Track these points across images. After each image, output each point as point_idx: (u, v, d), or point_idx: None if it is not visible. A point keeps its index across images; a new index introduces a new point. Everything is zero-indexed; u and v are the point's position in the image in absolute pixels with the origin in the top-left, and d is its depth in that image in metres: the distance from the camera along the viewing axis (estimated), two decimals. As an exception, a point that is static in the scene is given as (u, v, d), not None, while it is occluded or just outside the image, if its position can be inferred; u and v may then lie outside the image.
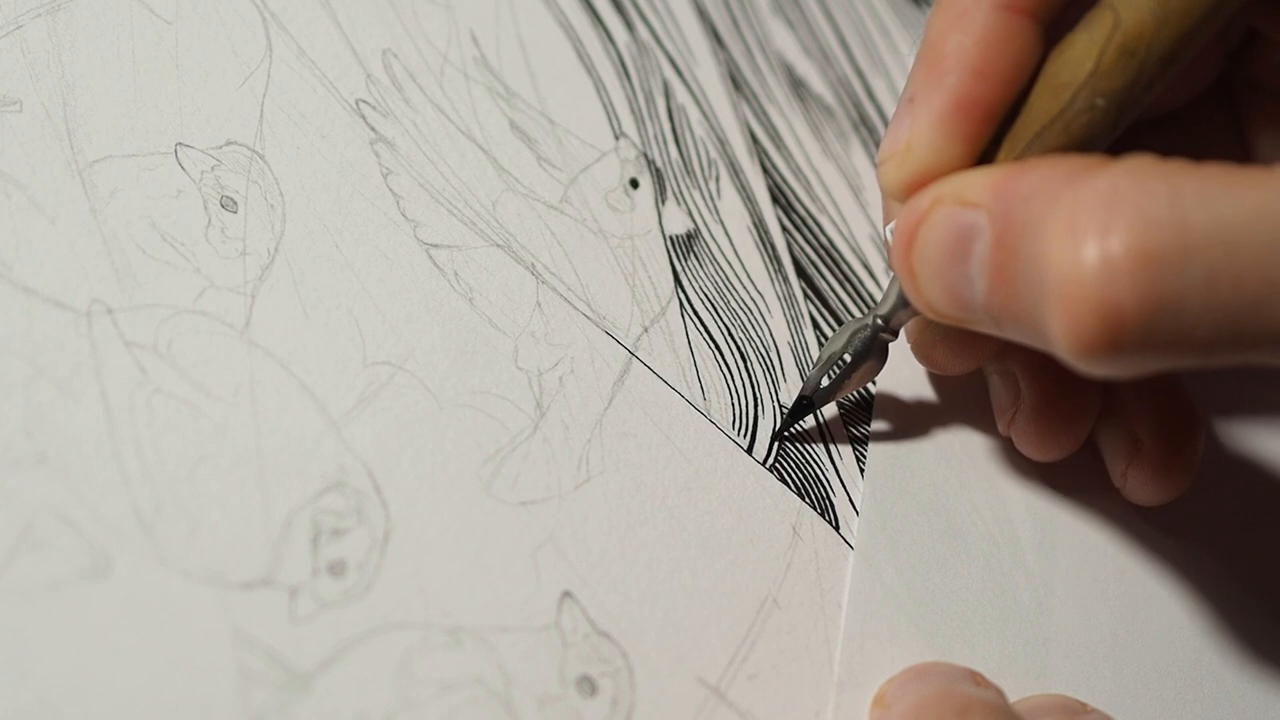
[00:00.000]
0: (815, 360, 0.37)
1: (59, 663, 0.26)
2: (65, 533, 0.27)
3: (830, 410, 0.37)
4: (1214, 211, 0.26)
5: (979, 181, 0.30)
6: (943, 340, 0.35)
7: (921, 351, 0.36)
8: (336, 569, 0.29)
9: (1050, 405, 0.36)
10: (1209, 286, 0.26)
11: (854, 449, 0.36)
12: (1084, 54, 0.30)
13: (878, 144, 0.42)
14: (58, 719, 0.26)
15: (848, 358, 0.35)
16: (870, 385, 0.37)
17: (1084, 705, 0.34)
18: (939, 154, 0.31)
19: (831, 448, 0.36)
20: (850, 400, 0.37)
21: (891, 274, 0.36)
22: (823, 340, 0.38)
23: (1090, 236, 0.26)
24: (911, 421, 0.37)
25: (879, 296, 0.39)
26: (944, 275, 0.31)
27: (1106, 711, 0.33)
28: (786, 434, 0.36)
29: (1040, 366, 0.35)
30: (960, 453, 0.37)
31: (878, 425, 0.37)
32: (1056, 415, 0.36)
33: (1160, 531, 0.38)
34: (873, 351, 0.35)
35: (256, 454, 0.30)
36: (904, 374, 0.38)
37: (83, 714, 0.26)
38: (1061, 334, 0.27)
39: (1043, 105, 0.31)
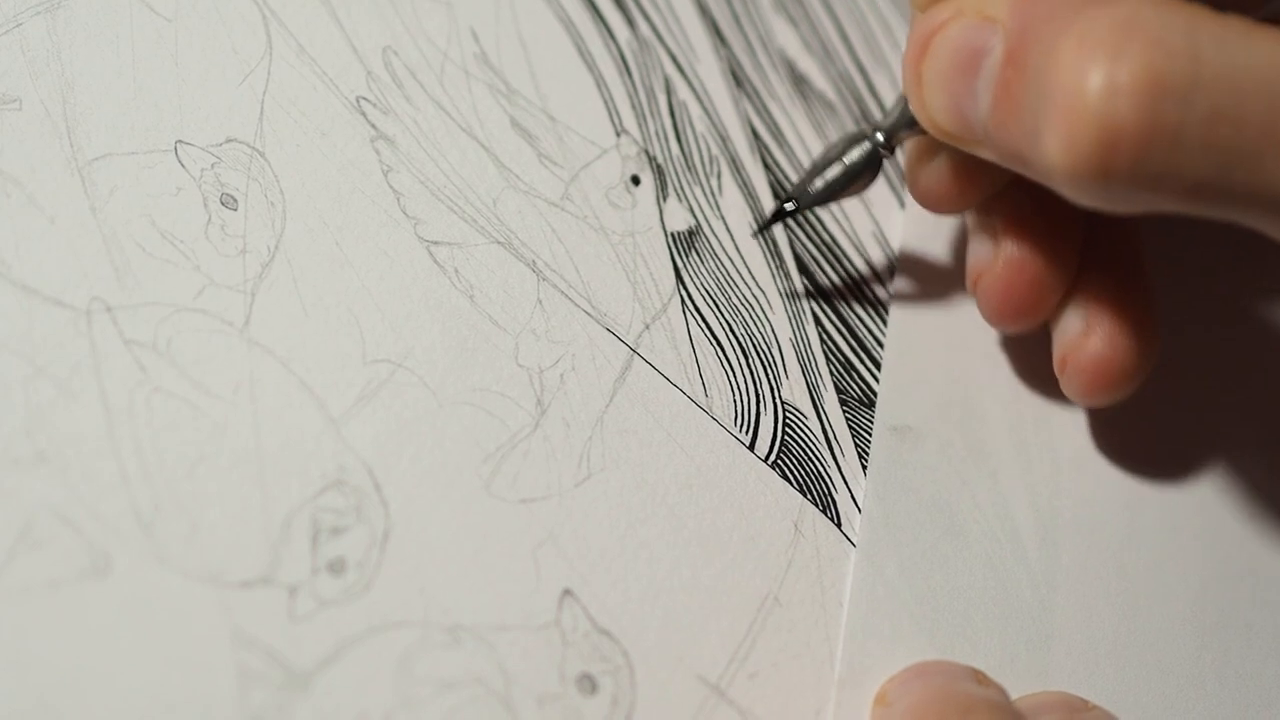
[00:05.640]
0: (808, 165, 0.38)
1: (59, 662, 0.26)
2: (65, 532, 0.27)
3: (832, 408, 0.37)
4: (1228, 54, 0.26)
5: None
6: (936, 168, 0.35)
7: (912, 176, 0.36)
8: (336, 567, 0.29)
9: (1023, 263, 0.35)
10: (1209, 125, 0.26)
11: (856, 445, 0.36)
12: None
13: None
14: (57, 719, 0.26)
15: (843, 162, 0.35)
16: (872, 383, 0.37)
17: (1086, 703, 0.34)
18: None
19: (834, 444, 0.36)
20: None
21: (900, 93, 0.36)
22: (825, 338, 0.38)
23: (1101, 56, 0.26)
24: (914, 417, 0.37)
25: (881, 295, 0.39)
26: (950, 87, 0.31)
27: (1109, 709, 0.33)
28: (766, 229, 0.37)
29: (1022, 223, 0.35)
30: (963, 450, 0.37)
31: (880, 421, 0.37)
32: (1027, 275, 0.35)
33: (1162, 529, 0.38)
34: (867, 165, 0.35)
35: (256, 452, 0.29)
36: (903, 372, 0.38)
37: (83, 714, 0.26)
38: (1057, 151, 0.27)
39: None
